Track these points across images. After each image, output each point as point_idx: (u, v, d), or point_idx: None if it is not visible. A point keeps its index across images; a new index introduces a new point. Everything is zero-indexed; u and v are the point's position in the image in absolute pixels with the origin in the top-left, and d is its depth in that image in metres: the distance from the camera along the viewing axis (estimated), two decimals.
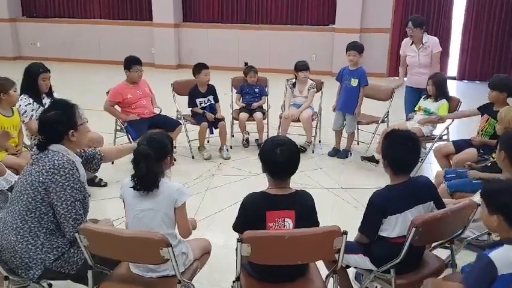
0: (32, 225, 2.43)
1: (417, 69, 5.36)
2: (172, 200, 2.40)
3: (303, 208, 2.34)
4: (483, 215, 2.12)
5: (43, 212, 2.43)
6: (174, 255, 2.17)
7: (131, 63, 4.99)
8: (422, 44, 5.24)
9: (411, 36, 5.28)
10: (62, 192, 2.40)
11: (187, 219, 2.49)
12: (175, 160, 5.25)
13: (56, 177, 2.40)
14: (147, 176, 2.35)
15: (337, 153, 5.52)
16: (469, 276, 2.01)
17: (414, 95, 5.41)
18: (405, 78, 5.65)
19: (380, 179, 4.46)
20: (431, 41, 5.27)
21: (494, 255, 1.95)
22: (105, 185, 4.68)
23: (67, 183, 2.41)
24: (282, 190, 2.36)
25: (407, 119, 5.22)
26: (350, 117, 5.37)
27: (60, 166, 2.41)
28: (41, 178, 2.40)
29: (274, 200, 2.33)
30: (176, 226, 2.47)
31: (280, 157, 2.30)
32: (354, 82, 5.27)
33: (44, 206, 2.42)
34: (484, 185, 2.16)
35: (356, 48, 5.25)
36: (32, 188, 2.41)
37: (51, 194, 2.40)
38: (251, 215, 2.33)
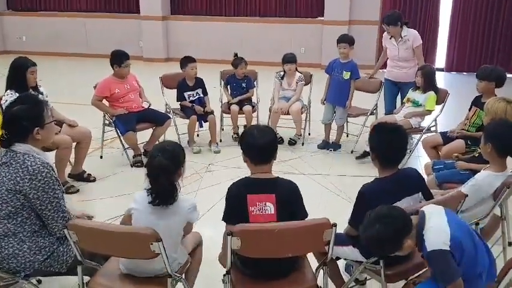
0: (16, 231, 2.37)
1: (396, 62, 5.36)
2: (186, 218, 2.39)
3: (283, 193, 2.35)
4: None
5: (25, 216, 2.37)
6: (165, 249, 2.16)
7: (123, 58, 4.90)
8: (401, 38, 5.22)
9: (388, 33, 5.30)
10: (45, 196, 2.35)
11: (191, 234, 2.61)
12: None
13: (34, 182, 2.32)
14: (168, 189, 2.26)
15: (326, 145, 5.53)
16: (446, 275, 2.09)
17: (392, 88, 5.47)
18: (384, 70, 5.67)
19: (369, 171, 4.49)
20: (411, 34, 5.23)
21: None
22: (94, 180, 4.64)
23: (47, 187, 2.35)
24: (263, 175, 2.41)
25: (386, 113, 5.25)
26: (341, 110, 5.38)
27: (36, 171, 2.32)
28: (18, 187, 2.31)
29: (255, 183, 2.38)
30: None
31: (259, 139, 2.37)
32: (346, 75, 5.26)
33: (25, 211, 2.36)
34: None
35: (346, 40, 5.24)
36: (9, 196, 2.32)
37: (33, 200, 2.33)
38: (234, 200, 2.36)
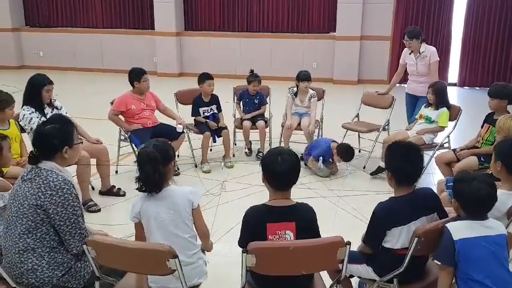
0: (35, 247, 2.42)
1: (415, 77, 5.52)
2: (189, 202, 2.46)
3: (303, 220, 2.34)
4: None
5: (44, 232, 2.42)
6: (181, 266, 2.20)
7: (140, 73, 5.00)
8: (420, 54, 5.35)
9: (409, 47, 5.40)
10: (64, 212, 2.40)
11: (204, 220, 2.57)
12: (178, 169, 5.30)
13: (54, 198, 2.38)
14: (153, 177, 2.39)
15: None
16: (438, 251, 2.36)
17: (411, 101, 5.62)
18: (404, 85, 5.74)
19: (382, 187, 4.50)
20: (429, 51, 5.37)
21: (449, 225, 2.32)
22: (124, 194, 4.67)
23: (67, 203, 2.40)
24: (282, 202, 2.37)
25: (408, 127, 5.27)
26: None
27: (57, 187, 2.39)
28: (39, 202, 2.37)
29: (274, 212, 2.34)
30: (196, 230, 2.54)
31: (281, 166, 2.32)
32: None
33: (44, 227, 2.41)
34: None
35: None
36: (30, 211, 2.38)
37: (53, 215, 2.39)
38: (253, 228, 2.33)
